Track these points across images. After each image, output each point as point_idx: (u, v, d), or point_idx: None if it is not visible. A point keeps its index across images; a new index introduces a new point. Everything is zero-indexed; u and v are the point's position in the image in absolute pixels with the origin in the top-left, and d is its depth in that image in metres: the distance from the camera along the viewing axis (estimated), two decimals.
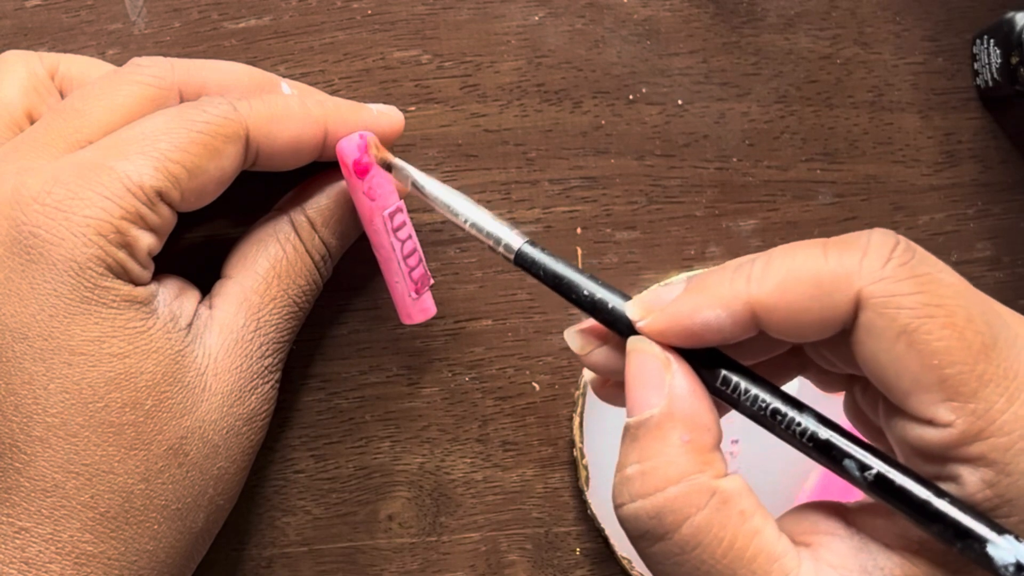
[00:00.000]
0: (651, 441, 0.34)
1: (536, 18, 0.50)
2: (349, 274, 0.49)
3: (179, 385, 0.40)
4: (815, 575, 0.33)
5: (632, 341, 0.36)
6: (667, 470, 0.34)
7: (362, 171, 0.43)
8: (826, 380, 0.39)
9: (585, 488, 0.49)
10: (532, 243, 0.38)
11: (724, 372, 0.35)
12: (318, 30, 0.49)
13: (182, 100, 0.43)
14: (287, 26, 0.49)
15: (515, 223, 0.49)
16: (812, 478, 0.50)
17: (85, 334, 0.38)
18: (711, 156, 0.50)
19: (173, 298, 0.41)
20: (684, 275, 0.50)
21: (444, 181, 0.42)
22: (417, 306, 0.45)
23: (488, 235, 0.39)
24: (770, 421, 0.34)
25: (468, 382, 0.50)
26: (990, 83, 0.50)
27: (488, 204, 0.49)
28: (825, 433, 0.34)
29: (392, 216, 0.43)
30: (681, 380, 0.35)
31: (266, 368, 0.43)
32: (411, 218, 0.45)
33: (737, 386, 0.35)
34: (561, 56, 0.50)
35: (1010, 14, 0.48)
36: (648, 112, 0.50)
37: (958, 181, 0.51)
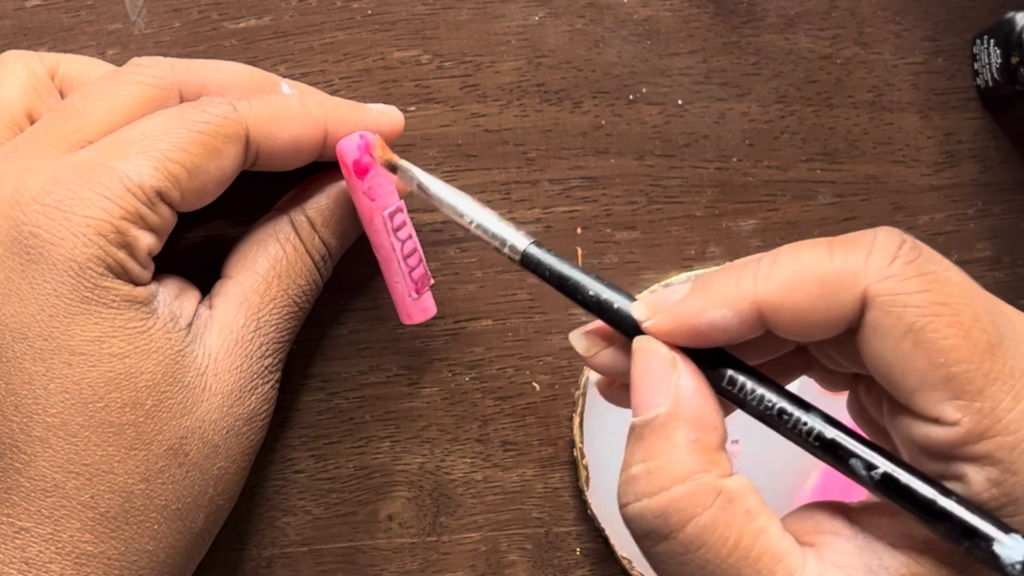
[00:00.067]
0: (657, 440, 0.34)
1: (536, 18, 0.50)
2: (349, 274, 0.49)
3: (179, 385, 0.40)
4: (820, 575, 0.33)
5: (638, 341, 0.36)
6: (673, 469, 0.34)
7: (362, 171, 0.43)
8: (830, 379, 0.39)
9: (585, 488, 0.49)
10: (538, 244, 0.38)
11: (730, 372, 0.35)
12: (318, 30, 0.49)
13: (182, 100, 0.43)
14: (287, 26, 0.49)
15: (515, 223, 0.49)
16: (812, 478, 0.50)
17: (85, 334, 0.38)
18: (711, 156, 0.50)
19: (173, 298, 0.41)
20: (684, 275, 0.50)
21: (444, 182, 0.42)
22: (417, 306, 0.45)
23: (494, 236, 0.39)
24: (776, 421, 0.34)
25: (468, 382, 0.50)
26: (990, 83, 0.50)
27: (488, 204, 0.49)
28: (831, 432, 0.34)
29: (392, 216, 0.43)
30: (687, 380, 0.35)
31: (266, 368, 0.43)
32: (411, 218, 0.45)
33: (743, 386, 0.35)
34: (561, 56, 0.50)
35: (1010, 14, 0.48)
36: (648, 112, 0.50)
37: (958, 181, 0.51)
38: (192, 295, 0.43)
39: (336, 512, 0.49)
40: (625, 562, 0.49)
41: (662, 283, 0.50)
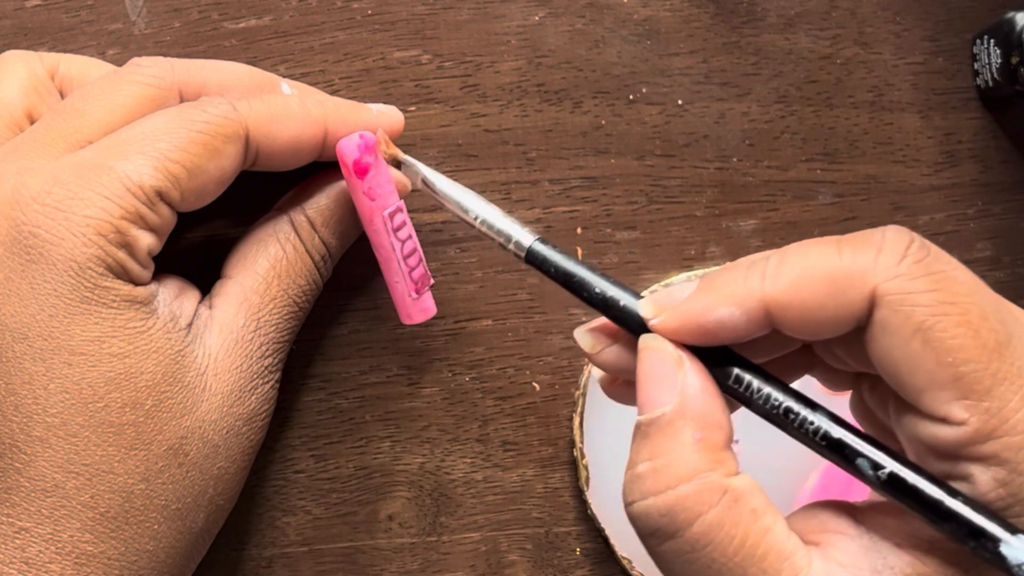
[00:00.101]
0: (663, 439, 0.34)
1: (536, 18, 0.50)
2: (349, 274, 0.49)
3: (179, 385, 0.40)
4: (825, 574, 0.33)
5: (644, 339, 0.36)
6: (679, 468, 0.34)
7: (362, 171, 0.43)
8: (834, 378, 0.39)
9: (585, 488, 0.49)
10: (543, 240, 0.38)
11: (736, 370, 0.35)
12: (318, 30, 0.49)
13: (182, 100, 0.43)
14: (287, 26, 0.49)
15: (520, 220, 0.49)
16: (813, 478, 0.50)
17: (85, 334, 0.38)
18: (711, 156, 0.50)
19: (173, 298, 0.41)
20: (684, 275, 0.50)
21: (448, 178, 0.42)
22: (417, 306, 0.45)
23: (499, 232, 0.39)
24: (782, 420, 0.34)
25: (468, 382, 0.50)
26: (990, 83, 0.50)
27: None
28: (838, 432, 0.34)
29: (392, 216, 0.43)
30: (693, 378, 0.35)
31: (266, 368, 0.43)
32: (411, 218, 0.45)
33: (750, 384, 0.35)
34: (561, 56, 0.50)
35: (1010, 14, 0.49)
36: (648, 112, 0.50)
37: (958, 181, 0.51)
38: (192, 295, 0.43)
39: (336, 512, 0.49)
40: (625, 562, 0.49)
41: (662, 283, 0.50)
